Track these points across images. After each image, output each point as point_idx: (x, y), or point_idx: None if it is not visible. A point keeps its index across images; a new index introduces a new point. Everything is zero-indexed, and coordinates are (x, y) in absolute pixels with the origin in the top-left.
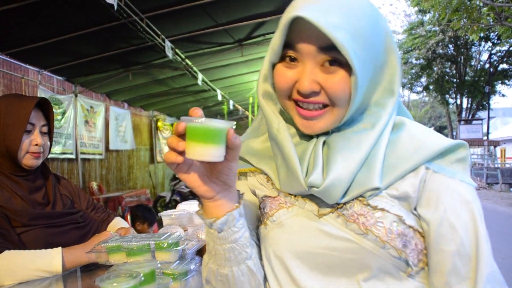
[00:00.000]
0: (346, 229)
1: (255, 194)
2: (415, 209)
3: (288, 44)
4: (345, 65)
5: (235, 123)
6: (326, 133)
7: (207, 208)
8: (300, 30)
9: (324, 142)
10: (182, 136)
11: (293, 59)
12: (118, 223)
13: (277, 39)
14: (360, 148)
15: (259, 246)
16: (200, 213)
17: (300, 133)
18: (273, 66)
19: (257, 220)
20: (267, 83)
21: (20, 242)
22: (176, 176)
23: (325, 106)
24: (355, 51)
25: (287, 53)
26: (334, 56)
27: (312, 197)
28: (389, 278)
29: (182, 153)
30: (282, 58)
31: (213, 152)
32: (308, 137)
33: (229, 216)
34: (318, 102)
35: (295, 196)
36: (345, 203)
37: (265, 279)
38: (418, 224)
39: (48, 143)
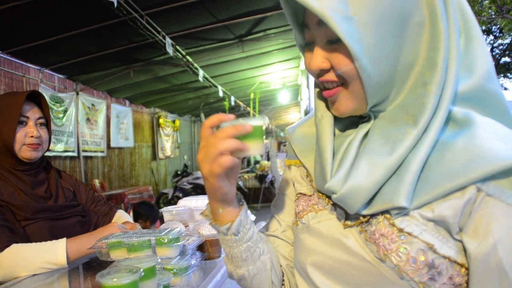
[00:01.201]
0: (366, 248)
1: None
2: (458, 232)
3: (304, 24)
4: None
5: (266, 118)
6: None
7: (223, 215)
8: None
9: (367, 133)
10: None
11: (312, 42)
12: (121, 216)
13: (290, 21)
14: (393, 152)
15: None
16: (214, 223)
17: (347, 121)
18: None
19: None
20: None
21: (25, 235)
22: (179, 173)
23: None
24: (348, 17)
25: (306, 34)
26: (332, 30)
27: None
28: None
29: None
30: (306, 43)
31: (262, 146)
32: (355, 126)
33: (241, 215)
34: (328, 80)
35: (327, 197)
36: (371, 218)
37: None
38: (460, 252)
39: (47, 135)
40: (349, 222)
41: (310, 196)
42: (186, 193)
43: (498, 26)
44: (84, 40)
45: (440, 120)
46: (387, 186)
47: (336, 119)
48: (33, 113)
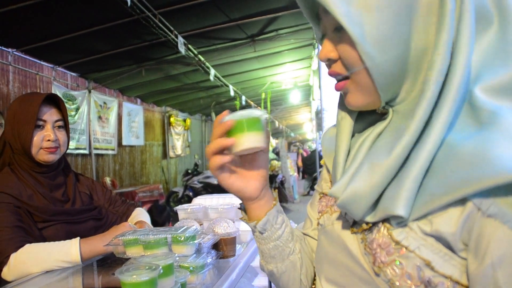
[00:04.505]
0: (366, 258)
1: None
2: (462, 250)
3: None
4: None
5: (263, 111)
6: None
7: (250, 212)
8: None
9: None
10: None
11: (325, 33)
12: (138, 215)
13: (305, 15)
14: (391, 151)
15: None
16: (244, 218)
17: (370, 119)
18: None
19: None
20: None
21: (41, 237)
22: (189, 172)
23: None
24: (348, 0)
25: (321, 26)
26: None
27: None
28: None
29: (224, 153)
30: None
31: (256, 139)
32: (374, 124)
33: (269, 215)
34: (335, 72)
35: None
36: (374, 225)
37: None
38: (465, 272)
39: (65, 138)
40: (354, 229)
41: (329, 196)
42: (197, 192)
43: None
44: (97, 39)
45: (446, 115)
46: (389, 191)
47: (358, 118)
48: (50, 115)
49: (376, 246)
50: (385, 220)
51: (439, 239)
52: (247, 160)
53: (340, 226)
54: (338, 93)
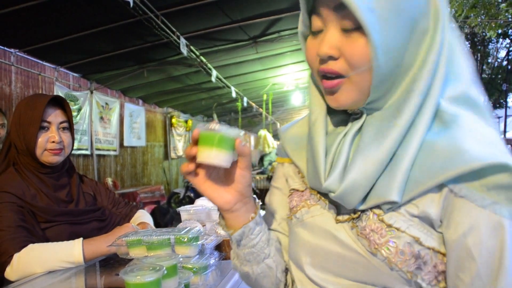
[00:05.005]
0: (358, 242)
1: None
2: (439, 226)
3: (314, 10)
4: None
5: (243, 132)
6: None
7: (226, 220)
8: None
9: (360, 129)
10: (196, 144)
11: (319, 31)
12: (140, 216)
13: (301, 6)
14: (380, 145)
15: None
16: (222, 224)
17: (339, 118)
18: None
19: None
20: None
21: (44, 237)
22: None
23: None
24: (371, 8)
25: (313, 21)
26: (351, 18)
27: (333, 200)
28: None
29: (193, 160)
30: (312, 31)
31: (218, 156)
32: (345, 124)
33: (245, 228)
34: (332, 70)
35: (318, 193)
36: (362, 214)
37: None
38: (442, 243)
39: (69, 139)
40: (340, 218)
41: (302, 191)
42: (198, 193)
43: None
44: (99, 39)
45: (427, 117)
46: (381, 181)
47: (328, 117)
48: (55, 116)
49: (369, 231)
50: (372, 208)
51: (423, 219)
52: (222, 172)
53: (323, 217)
54: (319, 93)
